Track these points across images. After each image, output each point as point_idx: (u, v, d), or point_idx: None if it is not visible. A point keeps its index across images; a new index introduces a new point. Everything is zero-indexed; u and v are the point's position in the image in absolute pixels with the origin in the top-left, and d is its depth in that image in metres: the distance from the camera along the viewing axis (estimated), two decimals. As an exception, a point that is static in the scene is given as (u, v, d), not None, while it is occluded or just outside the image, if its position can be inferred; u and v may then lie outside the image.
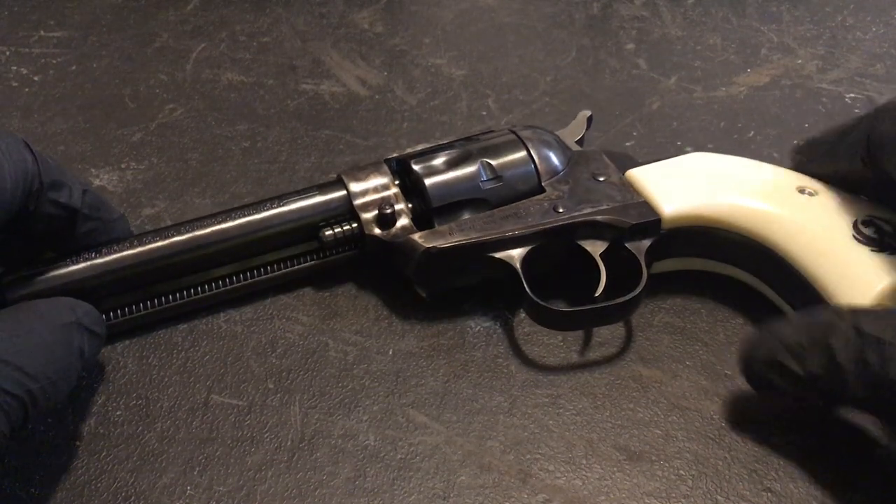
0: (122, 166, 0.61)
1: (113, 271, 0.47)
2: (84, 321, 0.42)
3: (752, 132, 0.63)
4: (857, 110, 0.65)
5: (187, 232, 0.48)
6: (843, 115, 0.64)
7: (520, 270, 0.47)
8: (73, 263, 0.46)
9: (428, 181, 0.49)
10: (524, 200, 0.49)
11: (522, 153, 0.50)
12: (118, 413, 0.46)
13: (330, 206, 0.50)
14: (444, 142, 0.53)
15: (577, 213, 0.48)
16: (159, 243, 0.48)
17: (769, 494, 0.42)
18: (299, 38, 0.73)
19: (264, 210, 0.49)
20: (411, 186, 0.50)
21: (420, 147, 0.53)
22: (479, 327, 0.50)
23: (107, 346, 0.49)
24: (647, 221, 0.48)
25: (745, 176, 0.50)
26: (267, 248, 0.50)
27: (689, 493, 0.42)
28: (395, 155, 0.53)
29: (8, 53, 0.71)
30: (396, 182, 0.51)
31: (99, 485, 0.43)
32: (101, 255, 0.47)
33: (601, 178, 0.50)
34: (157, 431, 0.45)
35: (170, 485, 0.43)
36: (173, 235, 0.48)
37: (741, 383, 0.47)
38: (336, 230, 0.49)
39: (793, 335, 0.41)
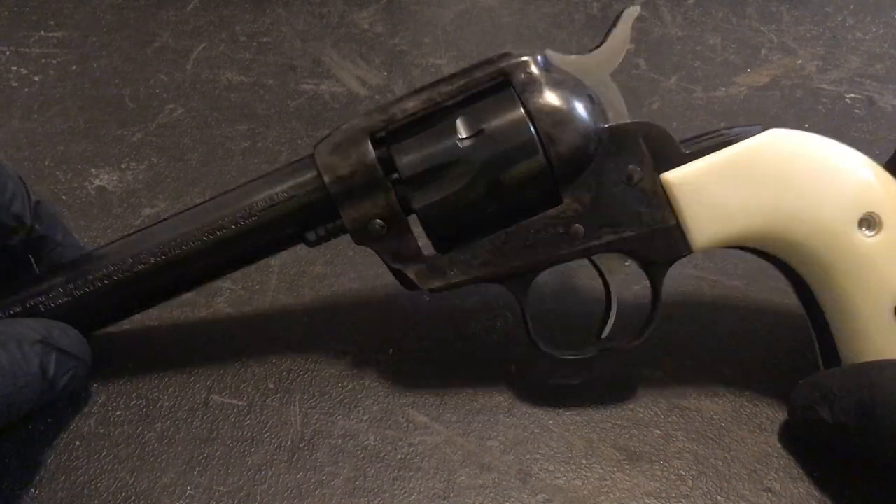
0: (122, 166, 0.61)
1: (83, 307, 0.44)
2: (56, 342, 0.41)
3: (752, 132, 0.63)
4: (857, 111, 0.65)
5: (152, 258, 0.44)
6: (843, 115, 0.64)
7: (523, 310, 0.44)
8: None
9: (424, 217, 0.42)
10: (535, 218, 0.42)
11: (541, 161, 0.41)
12: (118, 413, 0.46)
13: (309, 210, 0.44)
14: (440, 95, 0.42)
15: (594, 242, 0.42)
16: (122, 277, 0.44)
17: (769, 494, 0.42)
18: (299, 38, 0.73)
19: (237, 224, 0.43)
20: (401, 179, 0.42)
21: (409, 104, 0.42)
22: (479, 327, 0.50)
23: (106, 347, 0.49)
24: (674, 257, 0.42)
25: (805, 188, 0.41)
26: (247, 261, 0.46)
27: (689, 493, 0.42)
28: (379, 121, 0.42)
29: (8, 53, 0.71)
30: (380, 163, 0.42)
31: (99, 485, 0.43)
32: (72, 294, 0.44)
33: (632, 181, 0.41)
34: (157, 431, 0.45)
35: (170, 485, 0.43)
36: (137, 266, 0.44)
37: (741, 383, 0.47)
38: (320, 232, 0.45)
39: (829, 382, 0.40)
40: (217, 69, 0.70)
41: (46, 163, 0.61)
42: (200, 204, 0.45)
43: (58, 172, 0.60)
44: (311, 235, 0.45)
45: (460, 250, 0.43)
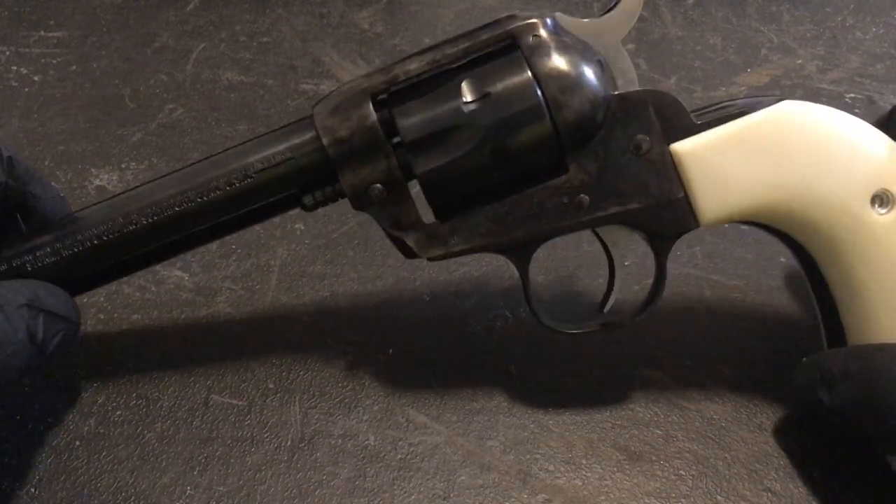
0: (122, 166, 0.61)
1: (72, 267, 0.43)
2: (43, 304, 0.40)
3: (752, 132, 0.63)
4: (857, 110, 0.65)
5: (144, 219, 0.42)
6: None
7: (524, 281, 0.43)
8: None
9: (426, 182, 0.40)
10: (539, 188, 0.41)
11: (547, 128, 0.39)
12: (118, 413, 0.46)
13: (306, 173, 0.42)
14: (445, 57, 0.41)
15: (599, 213, 0.41)
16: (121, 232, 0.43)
17: (769, 494, 0.42)
18: (299, 38, 0.73)
19: (232, 186, 0.42)
20: (403, 143, 0.41)
21: (412, 65, 0.41)
22: (479, 327, 0.50)
23: (106, 345, 0.49)
24: (680, 231, 0.41)
25: (817, 163, 0.39)
26: (242, 225, 0.44)
27: (689, 493, 0.42)
28: (381, 83, 0.41)
29: (8, 53, 0.71)
30: (381, 125, 0.40)
31: (99, 485, 0.43)
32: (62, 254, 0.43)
33: (641, 151, 0.40)
34: (157, 431, 0.45)
35: (170, 485, 0.43)
36: (128, 226, 0.42)
37: (741, 383, 0.47)
38: (318, 196, 0.43)
39: (830, 363, 0.39)
40: (217, 69, 0.70)
41: (46, 163, 0.61)
42: (194, 164, 0.43)
43: (58, 172, 0.60)
44: (308, 199, 0.43)
45: (462, 218, 0.41)
